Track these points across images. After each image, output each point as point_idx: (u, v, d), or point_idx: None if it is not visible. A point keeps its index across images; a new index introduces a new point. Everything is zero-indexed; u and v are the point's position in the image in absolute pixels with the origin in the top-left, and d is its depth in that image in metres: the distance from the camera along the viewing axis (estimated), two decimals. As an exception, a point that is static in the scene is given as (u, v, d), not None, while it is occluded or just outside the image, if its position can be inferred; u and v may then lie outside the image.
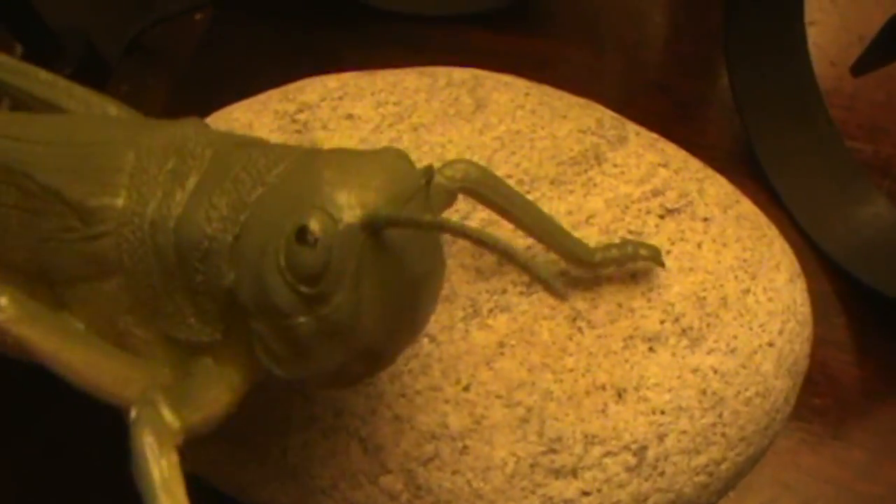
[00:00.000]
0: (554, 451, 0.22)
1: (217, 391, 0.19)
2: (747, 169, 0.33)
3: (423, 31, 0.37)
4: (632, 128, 0.27)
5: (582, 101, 0.27)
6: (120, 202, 0.19)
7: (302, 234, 0.16)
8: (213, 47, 0.39)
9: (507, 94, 0.26)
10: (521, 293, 0.23)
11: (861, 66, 0.28)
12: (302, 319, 0.17)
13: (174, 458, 0.17)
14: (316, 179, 0.17)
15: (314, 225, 0.16)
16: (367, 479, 0.22)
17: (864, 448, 0.29)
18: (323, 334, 0.17)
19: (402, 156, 0.17)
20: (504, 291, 0.23)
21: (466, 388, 0.23)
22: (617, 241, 0.24)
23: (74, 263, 0.20)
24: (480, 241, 0.15)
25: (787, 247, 0.26)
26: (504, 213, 0.23)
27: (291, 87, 0.28)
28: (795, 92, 0.33)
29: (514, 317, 0.23)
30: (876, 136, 0.34)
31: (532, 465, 0.22)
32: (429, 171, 0.17)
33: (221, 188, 0.18)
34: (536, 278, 0.14)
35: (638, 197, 0.25)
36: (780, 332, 0.24)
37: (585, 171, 0.25)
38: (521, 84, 0.27)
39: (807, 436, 0.29)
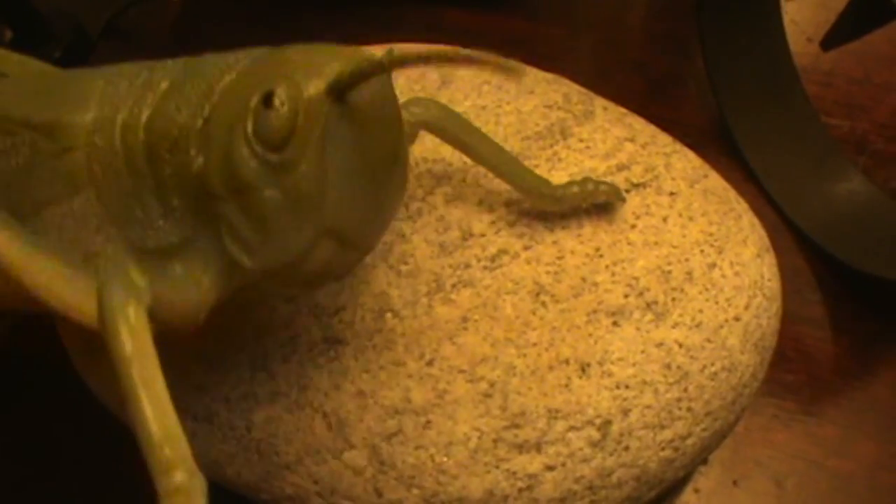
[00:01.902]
0: (517, 425, 0.22)
1: (185, 287, 0.18)
2: (722, 146, 0.33)
3: (400, 12, 0.37)
4: (599, 103, 0.26)
5: (550, 76, 0.27)
6: (90, 116, 0.19)
7: (268, 99, 0.16)
8: (189, 28, 0.39)
9: (473, 70, 0.26)
10: (485, 268, 0.23)
11: (830, 40, 0.28)
12: (268, 192, 0.17)
13: (142, 309, 0.17)
14: (283, 59, 0.17)
15: (280, 90, 0.16)
16: (332, 454, 0.22)
17: (836, 424, 0.29)
18: (289, 207, 0.17)
19: (363, 49, 0.18)
20: (467, 266, 0.23)
21: (430, 363, 0.23)
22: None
23: (45, 185, 0.20)
24: (437, 56, 0.15)
25: (755, 221, 0.26)
26: (467, 149, 0.23)
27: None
28: (770, 68, 0.33)
29: (477, 291, 0.23)
30: (852, 113, 0.34)
31: (495, 440, 0.22)
32: (390, 52, 0.17)
33: (193, 83, 0.18)
34: (490, 64, 0.14)
35: (603, 171, 0.25)
36: (747, 307, 0.24)
37: (551, 145, 0.25)
38: (488, 60, 0.27)
39: (779, 412, 0.29)
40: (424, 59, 0.15)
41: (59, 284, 0.18)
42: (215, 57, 0.19)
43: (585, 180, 0.24)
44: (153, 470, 0.16)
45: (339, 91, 0.16)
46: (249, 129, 0.17)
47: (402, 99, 0.25)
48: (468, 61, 0.15)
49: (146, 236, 0.19)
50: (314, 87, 0.16)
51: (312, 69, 0.16)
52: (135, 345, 0.17)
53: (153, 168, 0.18)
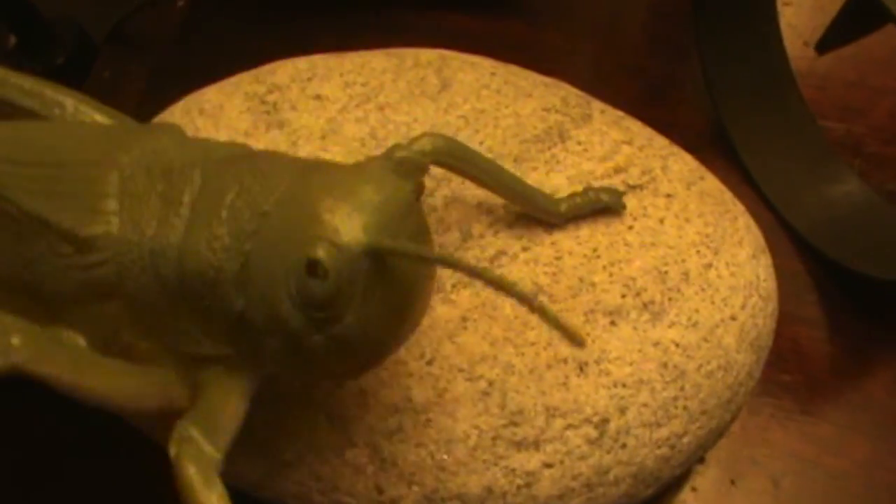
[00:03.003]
0: (516, 423, 0.23)
1: (234, 403, 0.20)
2: (720, 149, 0.33)
3: (400, 16, 0.37)
4: (597, 106, 0.27)
5: (548, 80, 0.27)
6: (114, 230, 0.19)
7: (312, 267, 0.17)
8: (192, 33, 0.39)
9: (472, 73, 0.27)
10: (485, 268, 0.24)
11: (825, 44, 0.28)
12: (315, 338, 0.18)
13: (221, 487, 0.19)
14: (315, 208, 0.17)
15: (323, 257, 0.17)
16: (334, 452, 0.23)
17: (832, 424, 0.29)
18: (334, 348, 0.18)
19: (387, 167, 0.19)
20: (467, 267, 0.24)
21: (430, 362, 0.23)
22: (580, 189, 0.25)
23: (70, 288, 0.20)
24: (479, 276, 0.16)
25: (751, 223, 0.26)
26: (474, 178, 0.23)
27: (262, 70, 0.28)
28: (767, 72, 0.33)
29: (476, 292, 0.23)
30: (848, 116, 0.34)
31: (494, 438, 0.22)
32: (419, 183, 0.18)
33: (219, 217, 0.18)
34: (556, 325, 0.16)
35: (600, 174, 0.25)
36: (743, 307, 0.25)
37: (549, 148, 0.25)
38: (487, 64, 0.27)
39: (776, 411, 0.29)
40: (471, 274, 0.16)
41: (114, 394, 0.19)
42: (233, 175, 0.19)
43: (587, 190, 0.24)
44: None
45: (379, 255, 0.17)
46: (293, 289, 0.17)
47: (401, 106, 0.26)
48: (522, 300, 0.16)
49: (185, 346, 0.20)
50: (355, 247, 0.17)
51: (351, 224, 0.17)
52: None
53: (190, 298, 0.19)
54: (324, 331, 0.18)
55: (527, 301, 0.16)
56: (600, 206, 0.24)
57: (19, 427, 0.29)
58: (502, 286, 0.16)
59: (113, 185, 0.20)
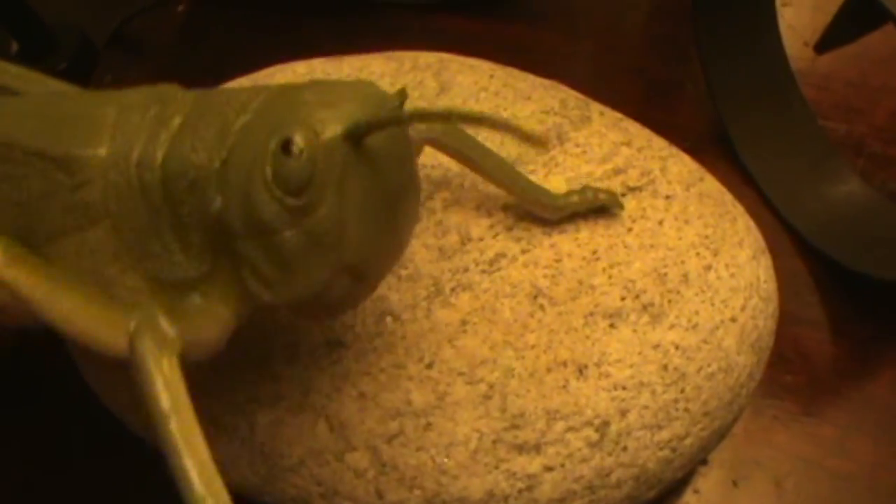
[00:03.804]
0: (516, 426, 0.22)
1: (207, 322, 0.19)
2: (720, 150, 0.33)
3: (400, 18, 0.37)
4: (596, 108, 0.27)
5: (547, 82, 0.27)
6: (104, 150, 0.19)
7: (287, 146, 0.16)
8: (193, 37, 0.39)
9: (471, 76, 0.27)
10: (484, 272, 0.24)
11: (824, 44, 0.28)
12: (288, 233, 0.17)
13: (175, 361, 0.18)
14: (297, 102, 0.17)
15: (298, 137, 0.16)
16: (334, 456, 0.23)
17: (835, 425, 0.29)
18: (309, 247, 0.17)
19: (375, 84, 0.18)
20: (466, 270, 0.24)
21: (430, 366, 0.23)
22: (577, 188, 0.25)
23: (59, 216, 0.20)
24: (459, 116, 0.16)
25: (751, 224, 0.26)
26: (469, 161, 0.23)
27: (261, 74, 0.28)
28: (767, 72, 0.33)
29: (476, 295, 0.23)
30: (849, 116, 0.34)
31: (495, 441, 0.22)
32: (402, 93, 0.18)
33: (206, 121, 0.18)
34: (518, 132, 0.15)
35: (599, 175, 0.25)
36: (743, 308, 0.24)
37: (547, 150, 0.25)
38: (486, 67, 0.27)
39: (779, 413, 0.29)
40: (444, 117, 0.16)
41: (84, 320, 0.19)
42: (227, 93, 0.19)
43: (585, 188, 0.24)
44: None
45: (356, 137, 0.17)
46: (268, 174, 0.17)
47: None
48: (491, 124, 0.15)
49: (164, 269, 0.19)
50: (331, 132, 0.17)
51: (328, 112, 0.17)
52: (172, 400, 0.17)
53: (171, 206, 0.19)
54: (298, 224, 0.17)
55: (482, 119, 0.15)
56: (598, 205, 0.24)
57: (22, 428, 0.30)
58: (468, 117, 0.16)
59: (110, 116, 0.20)
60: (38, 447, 0.29)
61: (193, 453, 0.17)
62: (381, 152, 0.17)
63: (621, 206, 0.25)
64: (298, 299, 0.18)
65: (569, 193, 0.24)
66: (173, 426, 0.17)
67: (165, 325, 0.18)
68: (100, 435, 0.28)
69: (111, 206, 0.19)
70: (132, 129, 0.19)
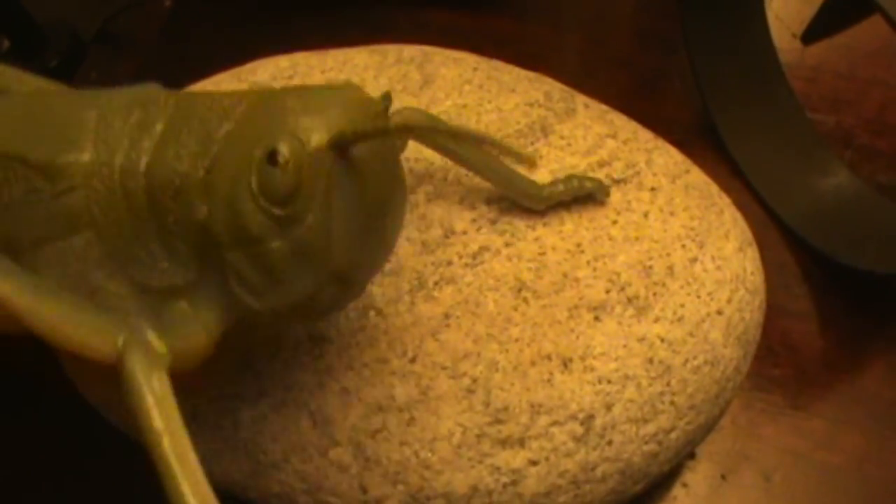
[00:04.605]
0: (500, 421, 0.22)
1: (196, 331, 0.19)
2: (708, 142, 0.33)
3: (387, 12, 0.37)
4: (581, 100, 0.27)
5: (531, 74, 0.27)
6: (86, 156, 0.19)
7: (273, 156, 0.16)
8: (180, 33, 0.39)
9: (455, 69, 0.27)
10: (467, 265, 0.24)
11: (811, 35, 0.28)
12: (275, 244, 0.17)
13: (165, 377, 0.18)
14: (281, 109, 0.17)
15: (283, 148, 0.16)
16: (317, 451, 0.23)
17: (823, 418, 0.29)
18: (296, 257, 0.17)
19: (359, 88, 0.18)
20: (449, 263, 0.24)
21: (413, 360, 0.23)
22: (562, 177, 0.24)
23: (41, 224, 0.20)
24: (446, 131, 0.16)
25: (738, 215, 0.26)
26: (453, 155, 0.23)
27: (244, 69, 0.28)
28: (755, 64, 0.33)
29: (459, 288, 0.23)
30: (838, 108, 0.34)
31: (479, 436, 0.22)
32: (387, 97, 0.18)
33: (189, 128, 0.18)
34: (506, 150, 0.15)
35: (584, 168, 0.25)
36: (729, 301, 0.24)
37: (532, 143, 0.25)
38: (470, 59, 0.27)
39: (767, 406, 0.29)
40: (431, 131, 0.16)
41: (70, 327, 0.18)
42: (208, 98, 0.19)
43: (570, 177, 0.24)
44: None
45: (342, 146, 0.17)
46: (254, 185, 0.17)
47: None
48: (478, 141, 0.15)
49: (150, 276, 0.19)
50: (317, 141, 0.16)
51: (314, 121, 0.17)
52: (163, 418, 0.17)
53: (155, 214, 0.18)
54: (285, 234, 0.17)
55: (479, 138, 0.15)
56: (583, 194, 0.24)
57: (22, 433, 0.29)
58: (458, 132, 0.16)
59: (91, 119, 0.20)
60: (37, 451, 0.29)
61: (187, 472, 0.17)
62: (366, 159, 0.17)
63: (607, 194, 0.24)
64: (285, 306, 0.18)
65: (554, 182, 0.24)
66: (166, 444, 0.17)
67: (154, 340, 0.18)
68: (96, 441, 0.28)
69: (95, 213, 0.19)
70: (114, 134, 0.19)
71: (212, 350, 0.19)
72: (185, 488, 0.17)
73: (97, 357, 0.18)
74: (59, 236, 0.20)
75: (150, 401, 0.17)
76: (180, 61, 0.38)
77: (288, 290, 0.18)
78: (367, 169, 0.17)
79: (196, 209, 0.18)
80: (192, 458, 0.17)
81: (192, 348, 0.19)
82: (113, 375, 0.21)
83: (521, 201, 0.24)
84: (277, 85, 0.27)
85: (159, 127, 0.19)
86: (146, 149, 0.19)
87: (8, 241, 0.20)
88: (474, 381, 0.22)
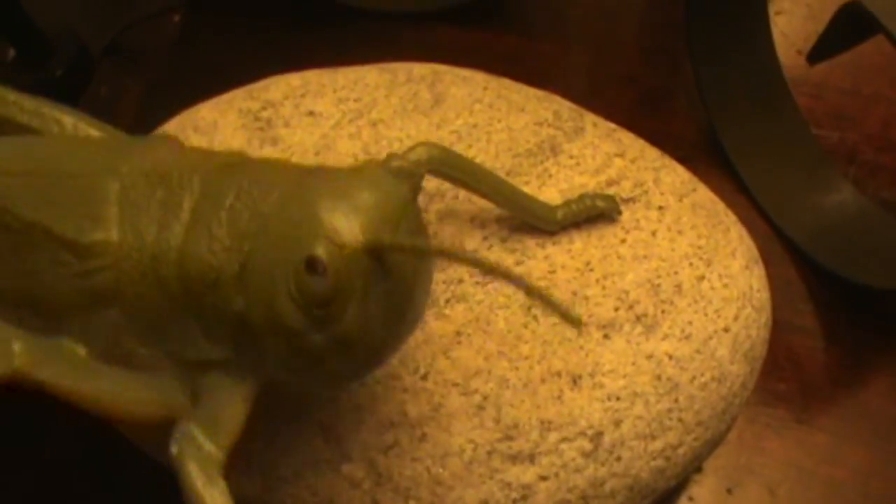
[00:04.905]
0: (511, 437, 0.23)
1: (236, 406, 0.20)
2: (714, 159, 0.34)
3: (394, 28, 0.37)
4: (589, 119, 0.27)
5: (540, 93, 0.28)
6: (114, 236, 0.19)
7: (311, 264, 0.17)
8: (188, 48, 0.39)
9: (465, 88, 0.27)
10: (477, 283, 0.24)
11: (816, 54, 0.28)
12: (315, 337, 0.18)
13: (223, 485, 0.19)
14: (313, 208, 0.18)
15: (322, 254, 0.17)
16: (330, 467, 0.23)
17: (828, 433, 0.29)
18: (335, 347, 0.18)
19: (383, 170, 0.19)
20: (460, 281, 0.24)
21: (424, 377, 0.23)
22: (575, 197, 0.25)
23: (71, 294, 0.20)
24: (487, 268, 0.17)
25: (744, 233, 0.26)
26: (469, 187, 0.23)
27: (256, 86, 0.28)
28: (760, 81, 0.33)
29: (470, 306, 0.24)
30: (842, 124, 0.34)
31: (489, 452, 0.23)
32: (415, 185, 0.19)
33: (219, 219, 0.19)
34: (553, 307, 0.16)
35: (593, 187, 0.25)
36: (736, 318, 0.25)
37: (541, 162, 0.26)
38: (479, 78, 0.27)
39: (771, 420, 0.29)
40: (471, 263, 0.17)
41: (114, 400, 0.19)
42: (235, 181, 0.19)
43: (582, 197, 0.25)
44: None
45: (378, 253, 0.17)
46: (293, 287, 0.17)
47: (394, 121, 0.26)
48: (523, 287, 0.16)
49: (185, 350, 0.20)
50: (354, 244, 0.17)
51: (350, 223, 0.17)
52: None
53: (191, 300, 0.19)
54: (324, 330, 0.18)
55: (524, 286, 0.16)
56: (596, 213, 0.25)
57: (27, 449, 0.29)
58: (499, 272, 0.16)
59: (113, 193, 0.20)
60: (43, 470, 0.29)
61: None
62: (403, 268, 0.18)
63: (619, 211, 0.25)
64: (320, 382, 0.20)
65: (566, 203, 0.24)
66: None
67: (208, 445, 0.19)
68: (105, 457, 0.28)
69: (126, 293, 0.20)
70: (140, 214, 0.19)
71: (247, 416, 0.20)
72: None
73: (142, 420, 0.19)
74: (86, 310, 0.20)
75: None
76: (190, 76, 0.38)
77: (325, 372, 0.19)
78: (401, 267, 0.18)
79: (233, 302, 0.18)
80: None
81: (235, 427, 0.19)
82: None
83: (535, 224, 0.24)
84: (289, 103, 0.27)
85: (186, 210, 0.19)
86: (176, 234, 0.19)
87: (34, 303, 0.21)
88: (485, 398, 0.23)
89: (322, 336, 0.18)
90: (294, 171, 0.19)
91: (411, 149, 0.22)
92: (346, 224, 0.17)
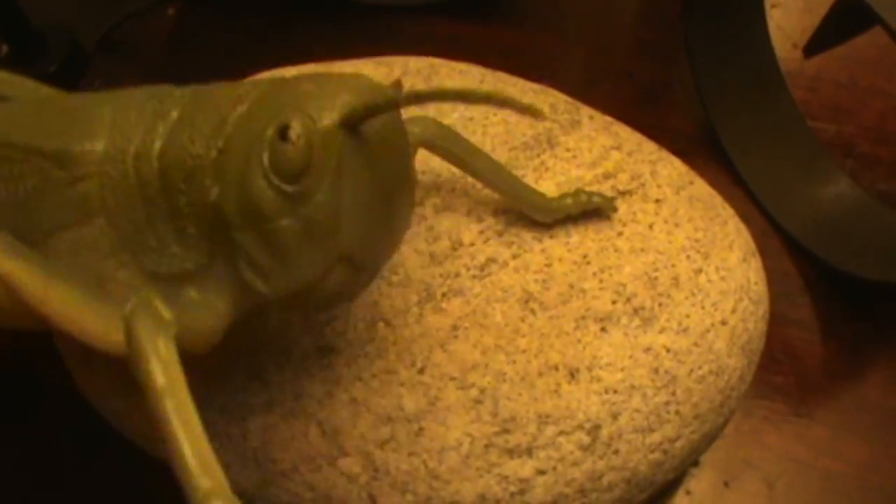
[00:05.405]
0: (508, 431, 0.23)
1: (203, 314, 0.19)
2: (711, 152, 0.34)
3: (391, 22, 0.37)
4: (586, 112, 0.27)
5: (537, 86, 0.27)
6: (101, 145, 0.20)
7: (284, 132, 0.17)
8: (184, 42, 0.39)
9: (461, 81, 0.27)
10: (475, 277, 0.24)
11: (813, 47, 0.28)
12: (285, 221, 0.17)
13: (171, 342, 0.17)
14: (294, 91, 0.18)
15: (296, 123, 0.17)
16: (326, 461, 0.23)
17: (826, 426, 0.29)
18: (305, 235, 0.17)
19: (371, 77, 0.18)
20: (457, 275, 0.24)
21: (421, 371, 0.23)
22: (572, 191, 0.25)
23: (55, 212, 0.20)
24: (453, 94, 0.16)
25: (741, 226, 0.26)
26: (464, 165, 0.23)
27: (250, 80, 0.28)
28: (757, 74, 0.33)
29: (467, 300, 0.24)
30: (839, 117, 0.34)
31: (487, 446, 0.23)
32: (398, 83, 0.18)
33: (204, 114, 0.19)
34: (513, 105, 0.15)
35: (589, 180, 0.25)
36: (734, 311, 0.25)
37: (538, 155, 0.25)
38: (476, 71, 0.27)
39: (769, 413, 0.29)
40: (438, 96, 0.16)
41: (80, 313, 0.18)
42: (224, 87, 0.19)
43: (578, 192, 0.24)
44: (191, 499, 0.16)
45: (353, 123, 0.17)
46: (265, 161, 0.17)
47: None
48: (484, 100, 0.15)
49: (160, 262, 0.19)
50: (328, 119, 0.17)
51: (325, 101, 0.17)
52: (167, 378, 0.17)
53: (167, 197, 0.19)
54: (294, 212, 0.17)
55: (475, 96, 0.15)
56: (592, 208, 0.24)
57: (18, 441, 0.29)
58: (461, 94, 0.16)
59: (106, 114, 0.20)
60: (35, 456, 0.29)
61: (189, 432, 0.17)
62: (377, 140, 0.17)
63: (615, 209, 0.25)
64: (295, 291, 0.18)
65: (562, 196, 0.24)
66: (168, 405, 0.17)
67: (161, 307, 0.18)
68: (96, 443, 0.28)
69: (108, 200, 0.19)
70: (129, 124, 0.19)
71: (218, 337, 0.19)
72: (187, 448, 0.17)
73: (104, 343, 0.18)
74: (71, 225, 0.20)
75: (154, 361, 0.17)
76: (185, 70, 0.38)
77: (297, 272, 0.18)
78: (377, 149, 0.17)
79: (208, 190, 0.18)
80: (196, 420, 0.17)
81: (200, 328, 0.19)
82: (121, 384, 0.21)
83: (529, 213, 0.24)
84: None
85: (175, 114, 0.19)
86: (161, 134, 0.19)
87: (23, 233, 0.20)
88: (482, 391, 0.23)
89: (292, 220, 0.17)
90: (283, 78, 0.19)
91: (411, 119, 0.22)
92: (323, 101, 0.17)
